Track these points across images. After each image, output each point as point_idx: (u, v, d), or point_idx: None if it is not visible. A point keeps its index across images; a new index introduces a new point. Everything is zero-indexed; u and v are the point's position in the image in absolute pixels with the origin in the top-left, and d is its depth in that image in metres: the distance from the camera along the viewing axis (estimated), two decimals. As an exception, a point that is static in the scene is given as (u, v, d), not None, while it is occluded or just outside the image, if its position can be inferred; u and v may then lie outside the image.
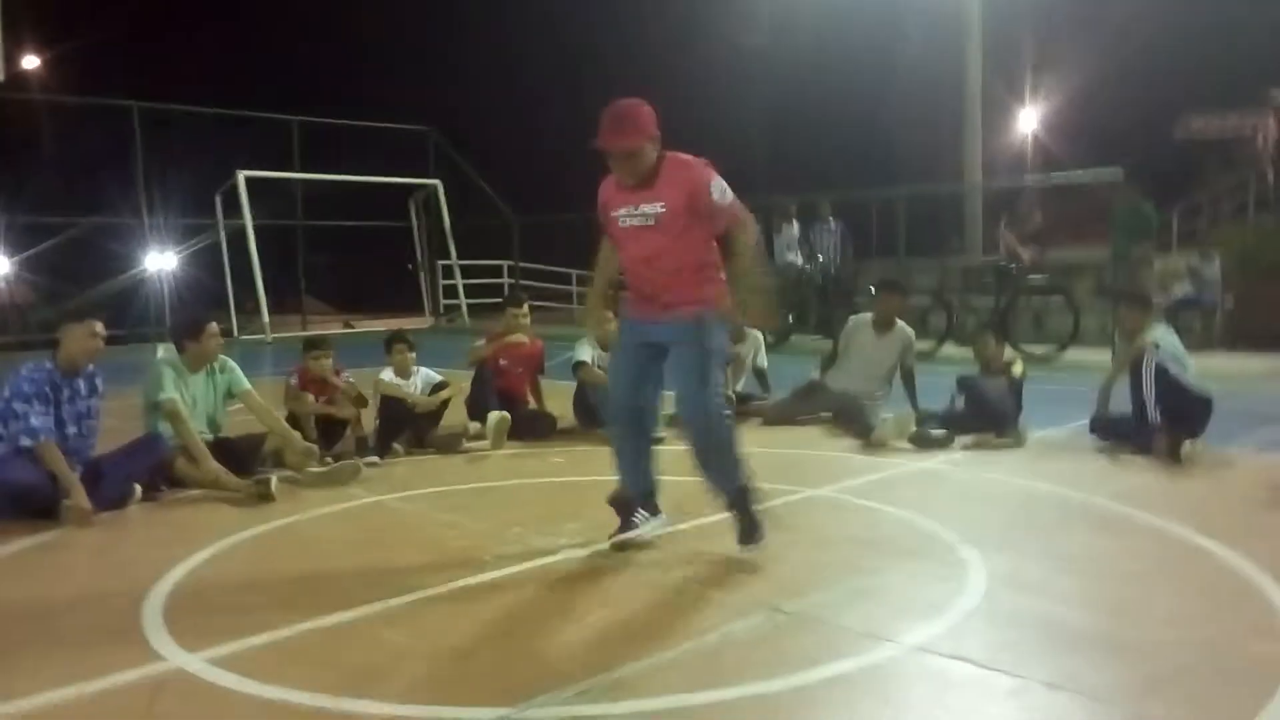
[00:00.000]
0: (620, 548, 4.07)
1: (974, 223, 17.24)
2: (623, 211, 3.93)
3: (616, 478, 4.19)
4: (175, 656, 3.09)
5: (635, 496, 4.16)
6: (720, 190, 3.82)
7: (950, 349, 10.83)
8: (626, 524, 4.14)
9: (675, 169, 3.84)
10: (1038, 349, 10.60)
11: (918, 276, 13.14)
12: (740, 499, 3.98)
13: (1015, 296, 11.43)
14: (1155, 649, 3.04)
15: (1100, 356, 10.42)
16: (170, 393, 5.35)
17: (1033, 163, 22.66)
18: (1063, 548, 4.13)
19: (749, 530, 3.97)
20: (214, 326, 5.65)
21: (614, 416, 4.15)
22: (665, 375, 4.02)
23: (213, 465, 5.25)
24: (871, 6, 19.37)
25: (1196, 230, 17.53)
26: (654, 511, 4.21)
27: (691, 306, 3.88)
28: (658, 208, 3.82)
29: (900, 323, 7.09)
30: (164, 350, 5.87)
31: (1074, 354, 10.57)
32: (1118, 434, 6.02)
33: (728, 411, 4.01)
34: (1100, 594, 3.55)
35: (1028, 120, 23.70)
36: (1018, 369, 6.75)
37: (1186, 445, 5.55)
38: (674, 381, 3.96)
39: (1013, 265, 11.61)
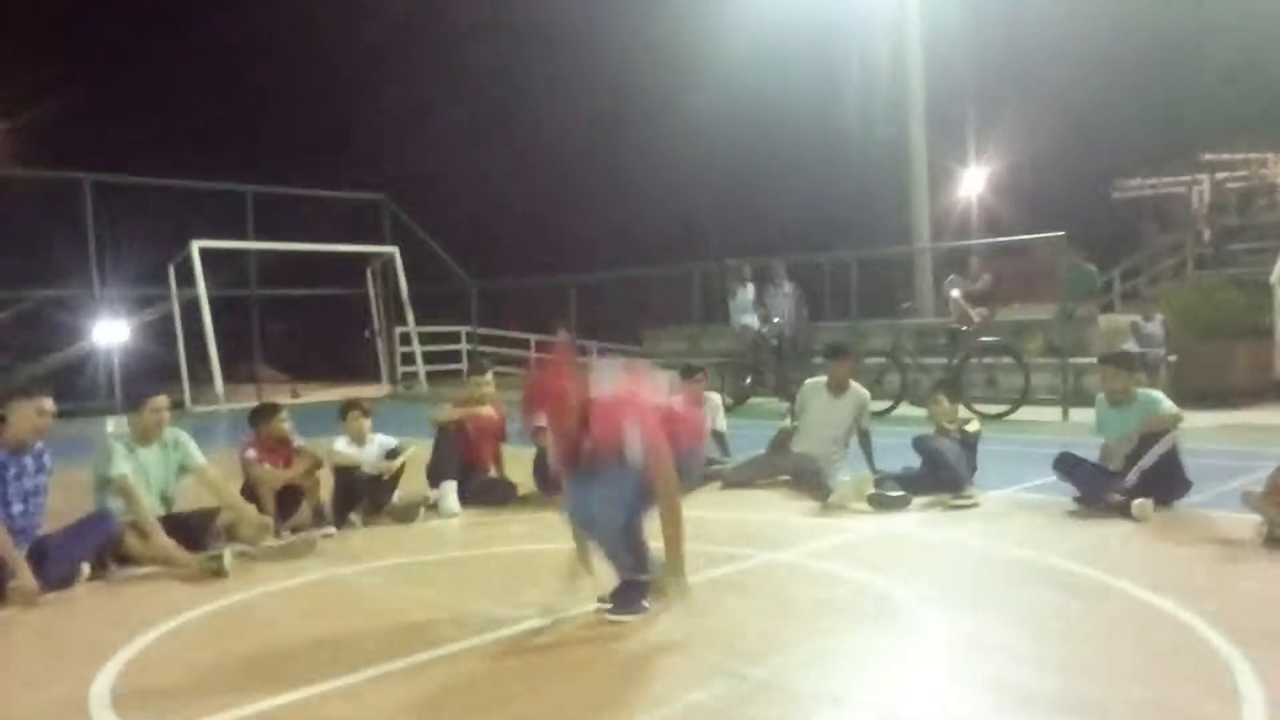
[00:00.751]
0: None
1: (924, 284, 17.58)
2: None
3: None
4: (124, 742, 3.01)
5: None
6: (632, 443, 3.89)
7: (905, 409, 10.96)
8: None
9: (601, 414, 3.98)
10: (990, 408, 10.77)
11: (871, 338, 13.32)
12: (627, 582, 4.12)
13: (967, 357, 11.63)
14: (1108, 710, 3.08)
15: (1051, 415, 10.62)
16: (121, 468, 5.26)
17: (978, 225, 23.19)
18: (1020, 608, 4.17)
19: (621, 604, 4.07)
20: (158, 401, 5.54)
21: (571, 522, 4.30)
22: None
23: (164, 541, 5.14)
24: (817, 71, 19.89)
25: (1137, 289, 18.01)
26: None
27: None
28: (593, 449, 4.00)
29: (854, 384, 7.17)
30: (114, 425, 5.77)
31: (1026, 413, 10.74)
32: (1079, 478, 6.07)
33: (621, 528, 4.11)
34: (1057, 654, 3.58)
35: (972, 183, 24.31)
36: (973, 427, 6.85)
37: (1138, 503, 5.63)
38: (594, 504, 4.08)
39: (964, 326, 11.83)
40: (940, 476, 6.37)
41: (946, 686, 3.32)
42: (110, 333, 16.26)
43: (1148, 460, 5.81)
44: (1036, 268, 15.86)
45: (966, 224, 23.10)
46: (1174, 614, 3.95)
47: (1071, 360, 11.34)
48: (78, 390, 15.26)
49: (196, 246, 16.16)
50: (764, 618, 4.08)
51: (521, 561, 5.30)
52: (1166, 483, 5.84)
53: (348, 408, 6.51)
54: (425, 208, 20.26)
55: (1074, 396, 11.03)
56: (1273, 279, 12.25)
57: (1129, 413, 6.04)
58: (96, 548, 5.02)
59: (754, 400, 12.85)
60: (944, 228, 21.20)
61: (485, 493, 6.71)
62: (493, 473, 6.97)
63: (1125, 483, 5.76)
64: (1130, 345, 11.70)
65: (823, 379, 7.25)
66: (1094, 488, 5.94)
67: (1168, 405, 5.98)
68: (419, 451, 6.66)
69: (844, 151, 22.24)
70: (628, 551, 4.12)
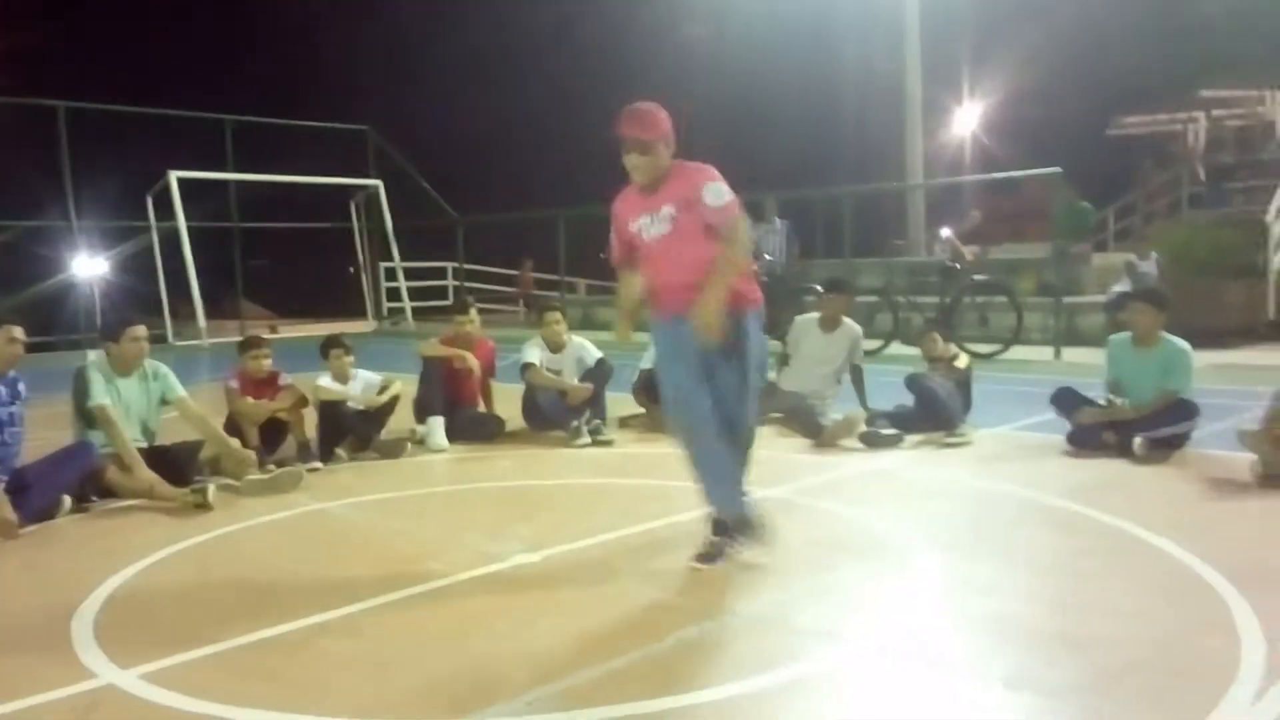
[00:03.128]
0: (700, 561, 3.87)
1: (917, 222, 17.44)
2: (642, 221, 3.86)
3: (706, 500, 3.89)
4: (107, 673, 2.95)
5: (733, 521, 3.87)
6: (715, 193, 3.76)
7: (897, 348, 10.90)
8: (714, 547, 3.90)
9: (680, 173, 3.83)
10: (983, 348, 10.71)
11: (864, 276, 13.20)
12: (735, 526, 3.86)
13: (960, 295, 11.55)
14: (1109, 645, 3.04)
15: (1043, 354, 10.58)
16: (100, 398, 5.16)
17: (971, 162, 22.99)
18: (1015, 546, 4.13)
19: (711, 554, 3.87)
20: (137, 330, 5.40)
21: (692, 425, 3.80)
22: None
23: (146, 473, 5.06)
24: (812, 7, 19.49)
25: (1132, 228, 17.91)
26: (750, 536, 3.89)
27: (725, 306, 3.68)
28: (670, 210, 3.79)
29: (847, 320, 7.08)
30: (94, 355, 5.66)
31: (1018, 352, 10.70)
32: (1076, 416, 5.93)
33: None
34: (1053, 591, 3.55)
35: (966, 120, 24.02)
36: (962, 361, 6.79)
37: (1139, 441, 5.56)
38: (719, 390, 3.77)
39: (957, 264, 11.73)
40: (933, 414, 6.32)
41: (944, 623, 3.28)
42: (89, 266, 16.01)
43: (1165, 432, 5.64)
44: (1030, 205, 15.72)
45: (960, 160, 22.90)
46: (1171, 552, 3.92)
47: (1065, 299, 11.27)
48: (58, 323, 15.07)
49: (174, 176, 15.86)
50: (757, 555, 4.03)
51: (510, 497, 5.24)
52: (1172, 440, 5.72)
53: (328, 345, 6.39)
54: (411, 141, 19.92)
55: (1066, 336, 10.99)
56: (1269, 217, 12.16)
57: (1149, 357, 5.81)
58: (77, 479, 4.93)
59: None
60: (938, 164, 21.01)
61: (473, 428, 6.64)
62: (481, 408, 6.89)
63: (1133, 446, 5.52)
64: (1124, 284, 11.63)
65: (814, 316, 7.15)
66: (1090, 428, 5.87)
67: (1191, 367, 5.72)
68: (405, 388, 6.57)
69: (838, 87, 21.92)
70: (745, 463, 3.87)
